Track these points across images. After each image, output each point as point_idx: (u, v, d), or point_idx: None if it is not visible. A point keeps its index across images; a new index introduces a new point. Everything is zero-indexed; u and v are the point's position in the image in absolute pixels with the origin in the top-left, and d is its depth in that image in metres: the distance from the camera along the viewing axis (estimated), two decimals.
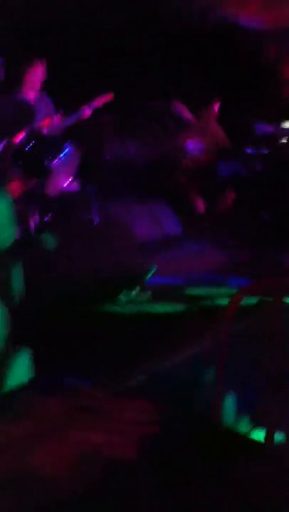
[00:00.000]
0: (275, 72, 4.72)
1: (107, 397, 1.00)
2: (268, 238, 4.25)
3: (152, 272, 2.72)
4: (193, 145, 4.79)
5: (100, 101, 4.22)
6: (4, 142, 3.07)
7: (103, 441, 0.87)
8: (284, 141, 4.90)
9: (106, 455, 0.87)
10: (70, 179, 3.38)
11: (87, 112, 4.01)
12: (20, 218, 3.05)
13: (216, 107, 5.09)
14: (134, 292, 2.58)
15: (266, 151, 4.75)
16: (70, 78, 4.76)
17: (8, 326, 1.37)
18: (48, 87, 4.18)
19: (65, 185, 3.33)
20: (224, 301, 2.27)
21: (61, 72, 4.49)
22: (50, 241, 2.40)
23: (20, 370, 1.40)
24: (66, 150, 3.31)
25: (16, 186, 3.02)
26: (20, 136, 3.13)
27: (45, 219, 3.09)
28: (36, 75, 3.90)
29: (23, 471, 0.86)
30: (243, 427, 1.76)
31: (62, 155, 3.26)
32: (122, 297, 2.53)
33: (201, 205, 5.02)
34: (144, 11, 4.92)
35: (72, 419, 0.92)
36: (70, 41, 5.01)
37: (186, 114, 4.74)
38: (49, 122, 3.66)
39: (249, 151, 4.70)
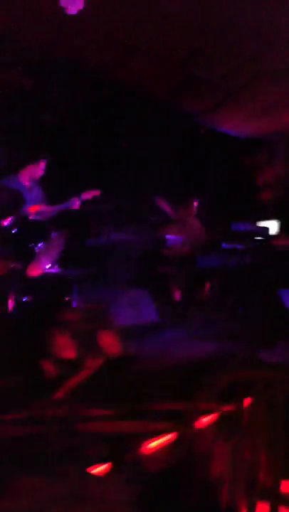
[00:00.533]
0: (252, 177, 5.12)
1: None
2: (242, 332, 4.32)
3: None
4: (173, 237, 5.02)
5: (87, 195, 4.52)
6: None
7: None
8: (258, 238, 5.18)
9: None
10: (52, 263, 3.49)
11: (76, 203, 4.28)
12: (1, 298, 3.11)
13: (195, 203, 5.43)
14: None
15: (241, 247, 4.97)
16: (63, 172, 5.09)
17: None
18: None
19: (46, 268, 3.43)
20: None
21: (56, 166, 4.84)
22: (28, 321, 2.43)
23: None
24: (51, 235, 3.45)
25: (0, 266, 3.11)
26: (8, 220, 3.29)
27: (24, 300, 3.14)
28: (37, 171, 4.24)
29: None
30: None
31: (46, 240, 3.39)
32: None
33: (178, 294, 5.14)
34: (131, 116, 5.40)
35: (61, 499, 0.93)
36: (65, 142, 5.43)
37: (168, 208, 5.01)
38: (37, 209, 3.86)
39: (226, 246, 4.93)
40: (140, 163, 5.64)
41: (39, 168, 4.26)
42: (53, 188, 4.56)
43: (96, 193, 4.53)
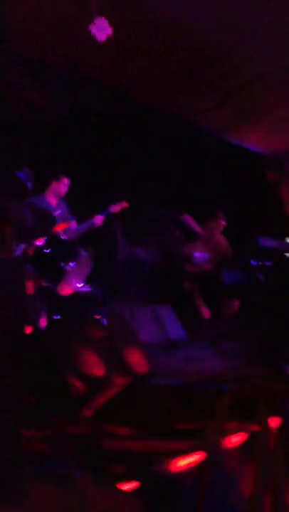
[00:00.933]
0: (278, 193, 5.13)
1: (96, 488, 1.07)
2: (268, 348, 4.31)
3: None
4: (199, 254, 5.06)
5: (115, 208, 4.61)
6: (25, 245, 3.34)
7: None
8: (287, 254, 5.16)
9: None
10: (83, 281, 3.60)
11: (99, 219, 4.38)
12: (32, 315, 3.22)
13: (223, 220, 5.46)
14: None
15: (269, 264, 4.97)
16: (87, 188, 5.22)
17: None
18: (66, 195, 4.62)
19: (77, 287, 3.53)
20: None
21: (80, 182, 4.97)
22: (59, 341, 2.53)
23: None
24: (81, 254, 3.56)
25: (31, 285, 3.22)
26: (41, 240, 3.41)
27: (55, 317, 3.24)
28: (61, 188, 4.35)
29: None
30: None
31: (77, 259, 3.50)
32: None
33: (205, 311, 5.16)
34: (157, 131, 5.48)
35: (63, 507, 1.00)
36: (88, 156, 5.57)
37: (194, 225, 5.06)
38: (65, 227, 3.99)
39: (253, 262, 4.93)
40: (166, 179, 5.72)
41: (63, 184, 4.38)
42: (78, 206, 4.69)
43: (125, 204, 4.62)
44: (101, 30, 3.04)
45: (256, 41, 4.11)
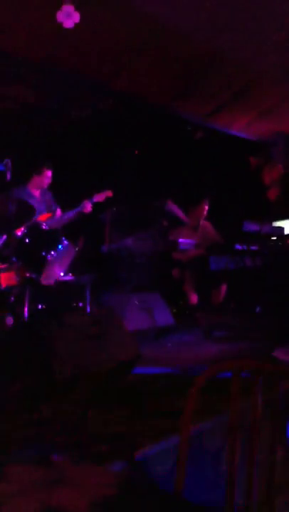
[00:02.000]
0: (260, 178, 5.13)
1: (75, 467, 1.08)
2: (258, 332, 4.33)
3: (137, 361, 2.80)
4: (185, 240, 5.06)
5: (100, 196, 4.59)
6: (6, 235, 3.32)
7: (67, 501, 0.95)
8: (273, 238, 5.17)
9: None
10: (65, 271, 3.59)
11: (88, 206, 4.35)
12: (16, 306, 3.21)
13: (206, 206, 5.46)
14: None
15: (255, 248, 4.97)
16: (72, 181, 5.22)
17: None
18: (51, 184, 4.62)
19: (60, 275, 3.52)
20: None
21: (66, 172, 4.95)
22: (42, 328, 2.52)
23: None
24: (63, 243, 3.55)
25: (13, 275, 3.21)
26: (20, 230, 3.40)
27: (39, 307, 3.24)
28: (43, 181, 4.35)
29: None
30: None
31: (59, 247, 3.49)
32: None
33: (193, 297, 5.17)
34: (142, 121, 5.49)
35: (39, 482, 1.01)
36: (76, 145, 5.56)
37: (179, 212, 5.06)
38: (48, 217, 3.98)
39: (238, 247, 4.93)
40: (148, 168, 5.72)
41: (44, 177, 4.37)
42: (64, 196, 4.67)
43: (109, 193, 4.60)
44: (68, 16, 3.00)
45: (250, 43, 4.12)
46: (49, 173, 4.43)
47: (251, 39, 4.09)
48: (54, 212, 4.39)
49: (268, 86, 5.01)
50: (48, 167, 4.42)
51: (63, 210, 4.55)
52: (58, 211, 4.45)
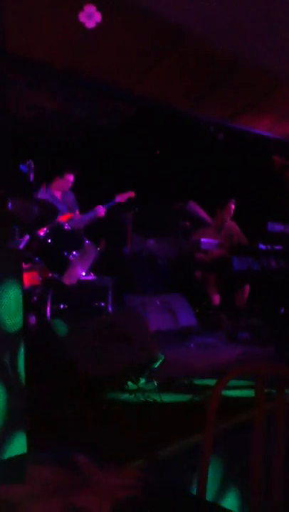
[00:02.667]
0: (285, 178, 5.06)
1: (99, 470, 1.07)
2: (282, 334, 4.26)
3: (160, 361, 2.78)
4: (208, 240, 5.02)
5: (122, 197, 4.60)
6: (29, 235, 3.35)
7: (91, 503, 0.94)
8: None
9: None
10: (87, 271, 3.60)
11: (101, 211, 4.38)
12: (38, 305, 3.23)
13: (232, 206, 5.41)
14: (142, 381, 2.63)
15: (279, 248, 4.90)
16: (96, 179, 5.25)
17: (8, 407, 1.46)
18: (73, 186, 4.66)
19: (82, 275, 3.53)
20: (232, 393, 2.31)
21: (89, 174, 4.99)
22: (63, 328, 2.53)
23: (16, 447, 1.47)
24: (85, 243, 3.56)
25: (36, 275, 3.24)
26: (43, 230, 3.42)
27: (61, 307, 3.25)
28: (64, 184, 4.40)
29: None
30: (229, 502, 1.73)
31: (80, 248, 3.50)
32: (130, 385, 2.58)
33: (216, 299, 5.12)
34: (164, 124, 5.48)
35: (65, 485, 1.00)
36: (99, 148, 5.59)
37: (201, 212, 5.02)
38: (69, 217, 4.00)
39: (262, 247, 4.87)
40: (171, 169, 5.70)
41: (66, 181, 4.43)
42: (87, 197, 4.71)
43: (131, 194, 4.61)
44: (90, 17, 3.01)
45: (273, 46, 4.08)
46: (71, 178, 4.49)
47: (273, 42, 4.04)
48: (74, 212, 4.43)
49: None
50: (69, 172, 4.48)
51: (82, 212, 4.59)
52: (77, 212, 4.49)
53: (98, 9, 3.18)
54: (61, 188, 4.46)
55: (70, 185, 4.51)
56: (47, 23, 3.39)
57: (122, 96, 4.75)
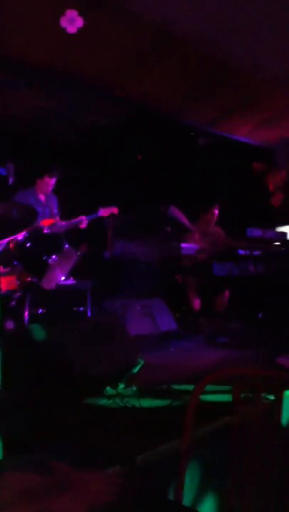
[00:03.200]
0: (264, 183, 5.12)
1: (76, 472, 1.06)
2: (261, 338, 4.29)
3: (140, 366, 2.77)
4: (188, 245, 5.04)
5: (105, 212, 4.61)
6: (8, 239, 3.31)
7: (68, 507, 0.93)
8: (276, 243, 5.14)
9: None
10: (66, 275, 3.57)
11: (84, 222, 4.38)
12: (16, 309, 3.19)
13: (216, 211, 5.46)
14: (120, 386, 2.62)
15: (258, 253, 4.95)
16: (78, 183, 5.23)
17: None
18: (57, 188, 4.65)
19: (61, 279, 3.50)
20: (211, 397, 2.32)
21: (71, 177, 4.97)
22: (40, 333, 2.50)
23: None
24: (64, 247, 3.53)
25: (14, 279, 3.20)
26: (22, 234, 3.39)
27: (40, 311, 3.21)
28: (44, 187, 4.38)
29: None
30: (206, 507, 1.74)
31: (60, 252, 3.47)
32: (109, 390, 2.57)
33: (197, 303, 5.14)
34: (146, 128, 5.49)
35: (41, 490, 0.99)
36: (81, 151, 5.57)
37: (182, 217, 5.05)
38: (51, 223, 3.98)
39: (242, 252, 4.91)
40: (152, 174, 5.72)
41: (46, 184, 4.41)
42: (69, 201, 4.69)
43: (114, 210, 4.63)
44: (71, 22, 3.01)
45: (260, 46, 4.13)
46: (51, 181, 4.48)
47: (255, 47, 4.10)
48: (56, 219, 4.42)
49: (272, 93, 5.02)
50: (50, 175, 4.46)
51: (65, 216, 4.57)
52: (57, 218, 4.48)
53: (82, 13, 3.19)
54: (44, 190, 4.45)
55: (51, 188, 4.49)
56: (45, 25, 3.38)
57: (104, 97, 4.76)
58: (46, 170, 4.48)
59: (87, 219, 4.45)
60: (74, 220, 4.45)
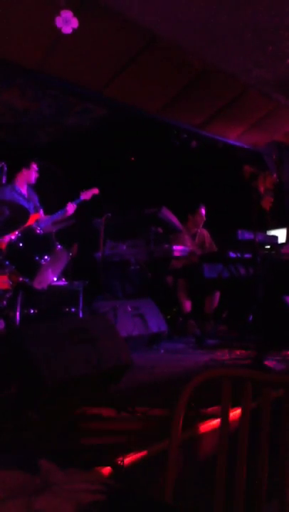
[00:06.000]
0: (254, 186, 5.15)
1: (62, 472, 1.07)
2: (250, 340, 4.33)
3: (129, 367, 2.78)
4: (180, 248, 5.06)
5: (86, 194, 4.60)
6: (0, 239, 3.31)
7: (53, 507, 0.94)
8: (267, 247, 5.18)
9: None
10: (58, 276, 3.57)
11: (71, 208, 4.37)
12: (7, 310, 3.20)
13: (203, 212, 5.49)
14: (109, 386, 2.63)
15: (249, 256, 4.98)
16: (67, 183, 5.23)
17: None
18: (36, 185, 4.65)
19: (53, 280, 3.51)
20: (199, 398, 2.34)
21: (59, 178, 4.96)
22: (31, 333, 2.50)
23: None
24: (57, 248, 3.53)
25: (6, 279, 3.19)
26: (14, 234, 3.39)
27: (31, 312, 3.22)
28: (32, 175, 4.36)
29: None
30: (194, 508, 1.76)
31: (52, 253, 3.47)
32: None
33: (188, 305, 5.17)
34: (136, 129, 5.51)
35: (26, 488, 0.99)
36: (70, 152, 5.57)
37: (173, 218, 5.07)
38: (37, 218, 3.97)
39: (232, 255, 4.94)
40: (143, 175, 5.74)
41: (33, 170, 4.38)
42: (56, 200, 4.68)
43: (95, 191, 4.62)
44: (67, 22, 3.02)
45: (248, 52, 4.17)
46: (35, 166, 4.47)
47: (241, 51, 4.15)
48: (40, 213, 4.41)
49: (259, 97, 5.06)
50: (34, 161, 4.45)
51: (48, 213, 4.55)
52: (41, 212, 4.47)
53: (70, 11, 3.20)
54: (28, 180, 4.42)
55: (37, 175, 4.46)
56: (19, 23, 3.38)
57: (90, 97, 4.76)
58: (29, 158, 4.47)
59: (72, 204, 4.44)
60: (60, 211, 4.43)
